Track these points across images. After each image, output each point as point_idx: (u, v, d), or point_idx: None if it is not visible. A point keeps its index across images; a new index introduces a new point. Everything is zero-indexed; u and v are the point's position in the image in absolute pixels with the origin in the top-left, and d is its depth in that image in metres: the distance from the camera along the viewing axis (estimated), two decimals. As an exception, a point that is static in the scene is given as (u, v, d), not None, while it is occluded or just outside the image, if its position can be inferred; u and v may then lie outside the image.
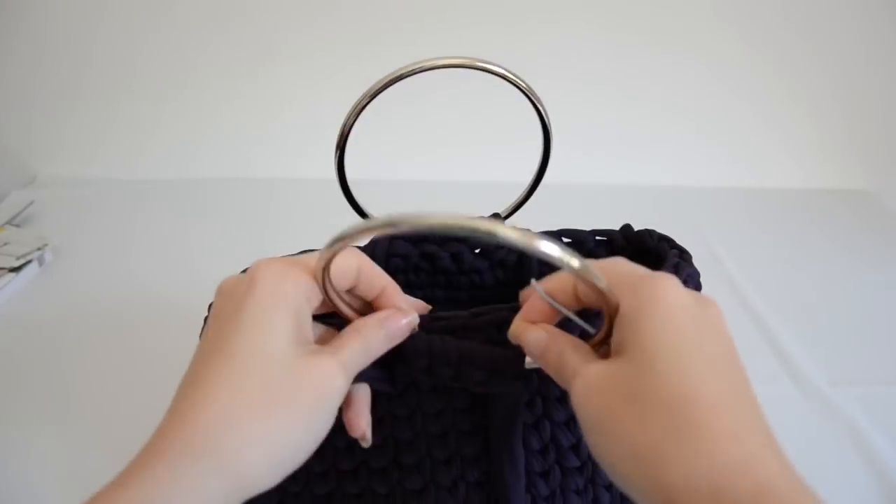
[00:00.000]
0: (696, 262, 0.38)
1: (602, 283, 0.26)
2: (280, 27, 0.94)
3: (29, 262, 0.75)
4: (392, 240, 0.42)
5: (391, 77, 0.35)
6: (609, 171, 0.99)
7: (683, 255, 0.37)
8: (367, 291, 0.32)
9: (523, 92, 0.37)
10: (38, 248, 0.76)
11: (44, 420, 0.55)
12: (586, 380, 0.27)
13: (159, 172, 0.98)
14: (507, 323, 0.32)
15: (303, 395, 0.26)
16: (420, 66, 0.34)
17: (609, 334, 0.28)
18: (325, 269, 0.28)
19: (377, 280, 0.32)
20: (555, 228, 0.43)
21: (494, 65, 0.35)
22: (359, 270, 0.31)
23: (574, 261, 0.25)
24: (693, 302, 0.27)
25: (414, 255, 0.43)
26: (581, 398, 0.27)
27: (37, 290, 0.73)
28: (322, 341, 0.30)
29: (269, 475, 0.26)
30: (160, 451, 0.24)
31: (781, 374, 0.62)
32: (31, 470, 0.50)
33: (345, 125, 0.37)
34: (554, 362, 0.29)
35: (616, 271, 0.28)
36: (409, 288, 0.46)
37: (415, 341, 0.31)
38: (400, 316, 0.31)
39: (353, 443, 0.32)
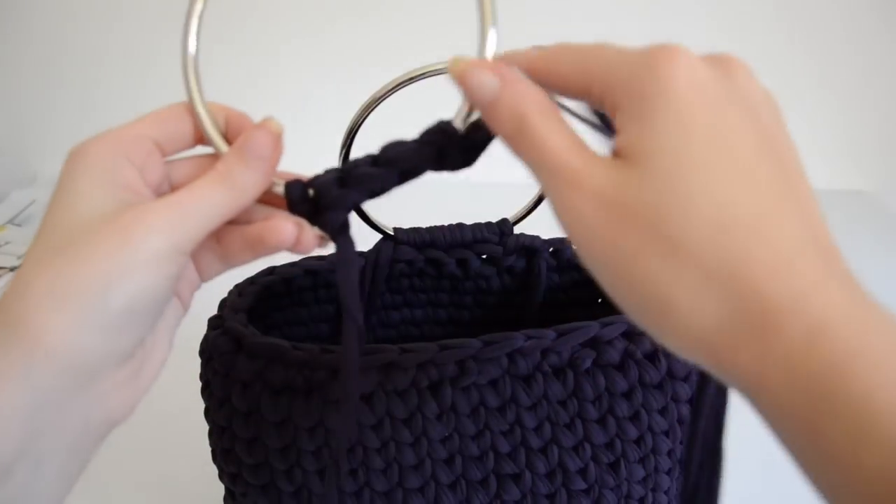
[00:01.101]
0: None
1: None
2: (282, 27, 0.94)
3: (30, 261, 0.75)
4: (396, 245, 0.42)
5: (400, 80, 0.35)
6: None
7: None
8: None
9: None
10: (40, 248, 0.77)
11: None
12: (595, 196, 0.20)
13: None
14: (522, 352, 0.32)
15: (103, 241, 0.22)
16: (431, 69, 0.34)
17: None
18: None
19: (217, 110, 0.28)
20: (559, 230, 0.43)
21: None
22: (189, 111, 0.27)
23: None
24: (711, 74, 0.21)
25: (419, 260, 0.43)
26: (585, 219, 0.21)
27: (38, 290, 0.73)
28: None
29: (83, 333, 0.22)
30: None
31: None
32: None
33: (352, 126, 0.37)
34: (507, 123, 0.22)
35: (600, 59, 0.22)
36: (413, 291, 0.46)
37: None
38: (255, 131, 0.26)
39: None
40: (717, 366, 0.20)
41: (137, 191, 0.25)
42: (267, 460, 0.34)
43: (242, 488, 0.35)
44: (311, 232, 0.27)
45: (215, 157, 0.27)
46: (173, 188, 0.27)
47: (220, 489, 0.38)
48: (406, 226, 0.43)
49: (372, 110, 0.37)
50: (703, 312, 0.19)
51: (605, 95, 0.22)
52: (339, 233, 0.27)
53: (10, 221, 0.83)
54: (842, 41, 0.96)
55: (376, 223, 0.41)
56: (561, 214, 0.22)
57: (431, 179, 0.99)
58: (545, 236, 0.43)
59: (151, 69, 0.96)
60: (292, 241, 0.27)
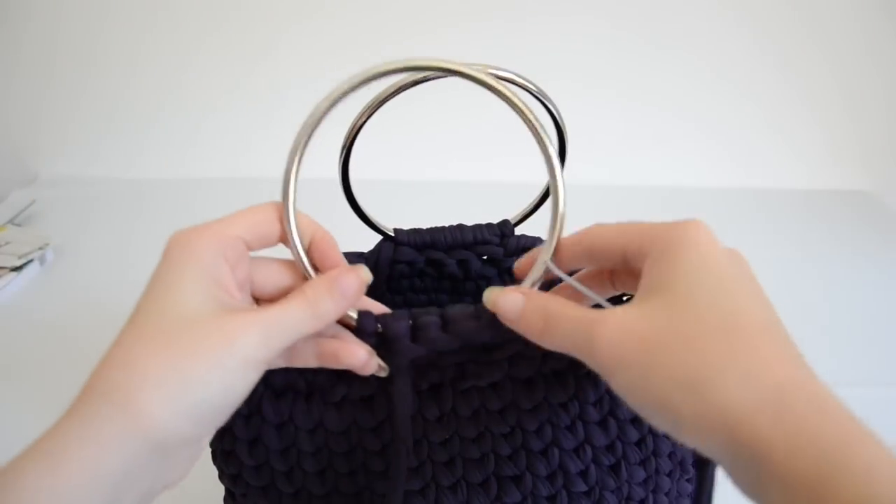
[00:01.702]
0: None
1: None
2: (281, 26, 0.94)
3: (30, 261, 0.75)
4: (396, 246, 0.42)
5: (399, 85, 0.35)
6: (611, 172, 0.99)
7: None
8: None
9: (536, 96, 0.37)
10: (40, 248, 0.76)
11: (44, 420, 0.55)
12: (618, 324, 0.26)
13: (161, 172, 0.98)
14: (522, 355, 0.33)
15: (207, 341, 0.26)
16: (430, 74, 0.34)
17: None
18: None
19: (306, 227, 0.31)
20: (564, 232, 0.43)
21: (505, 71, 0.35)
22: (279, 218, 0.30)
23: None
24: (723, 247, 0.28)
25: (419, 261, 0.43)
26: (613, 343, 0.25)
27: (38, 290, 0.73)
28: (280, 294, 0.30)
29: (176, 419, 0.25)
30: (71, 406, 0.25)
31: (783, 375, 0.62)
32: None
33: (352, 128, 0.37)
34: (537, 322, 0.28)
35: (635, 225, 0.29)
36: (413, 292, 0.46)
37: (394, 315, 0.31)
38: (350, 273, 0.30)
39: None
40: (731, 441, 0.23)
41: (229, 289, 0.28)
42: (267, 462, 0.34)
43: (243, 489, 0.35)
44: (376, 360, 0.31)
45: (291, 263, 0.31)
46: (254, 288, 0.30)
47: (220, 490, 0.38)
48: (406, 226, 0.42)
49: (374, 111, 0.36)
50: (723, 387, 0.23)
51: (640, 249, 0.28)
52: (401, 373, 0.31)
53: (10, 221, 0.83)
54: (843, 42, 0.96)
55: (376, 224, 0.41)
56: (600, 346, 0.26)
57: (432, 180, 0.98)
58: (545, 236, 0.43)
59: (153, 70, 0.96)
60: (361, 365, 0.30)
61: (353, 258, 0.42)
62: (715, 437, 0.23)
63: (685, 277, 0.25)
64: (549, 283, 0.33)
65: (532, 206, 0.43)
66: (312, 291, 0.29)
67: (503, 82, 0.29)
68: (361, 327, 0.31)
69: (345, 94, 0.29)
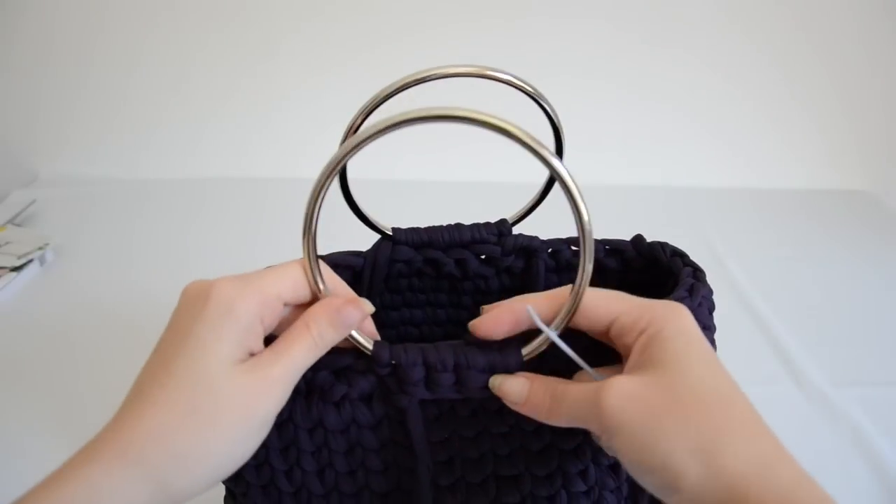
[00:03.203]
0: (697, 262, 0.38)
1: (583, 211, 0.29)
2: (281, 27, 0.94)
3: (30, 261, 0.75)
4: (394, 245, 0.42)
5: (398, 85, 0.35)
6: (611, 172, 0.99)
7: (697, 274, 0.36)
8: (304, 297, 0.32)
9: (533, 98, 0.37)
10: (40, 248, 0.76)
11: (44, 419, 0.55)
12: (622, 390, 0.28)
13: (161, 172, 0.98)
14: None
15: (228, 415, 0.28)
16: (428, 74, 0.34)
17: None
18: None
19: (331, 283, 0.32)
20: (561, 231, 0.43)
21: (502, 72, 0.35)
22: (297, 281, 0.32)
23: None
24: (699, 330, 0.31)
25: (417, 260, 0.43)
26: (618, 408, 0.28)
27: (38, 290, 0.73)
28: (285, 326, 0.31)
29: (195, 484, 0.28)
30: (99, 453, 0.27)
31: (782, 375, 0.62)
32: (31, 469, 0.49)
33: (349, 130, 0.37)
34: (543, 402, 0.30)
35: (627, 299, 0.31)
36: (412, 291, 0.46)
37: (407, 353, 0.31)
38: (352, 306, 0.31)
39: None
40: (727, 501, 0.25)
41: (254, 348, 0.30)
42: (267, 460, 0.34)
43: (243, 488, 0.35)
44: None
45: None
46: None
47: (220, 489, 0.38)
48: (404, 225, 0.43)
49: (372, 111, 0.36)
50: (722, 455, 0.26)
51: (635, 324, 0.30)
52: (413, 408, 0.33)
53: (10, 221, 0.83)
54: (842, 41, 0.96)
55: (374, 223, 0.41)
56: (608, 410, 0.28)
57: (430, 179, 0.98)
58: (544, 237, 0.43)
59: (154, 70, 0.96)
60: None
61: (351, 257, 0.42)
62: (712, 498, 0.26)
63: (676, 358, 0.28)
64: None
65: (530, 205, 0.43)
66: (316, 326, 0.30)
67: (532, 136, 0.28)
68: (377, 358, 0.32)
69: (358, 146, 0.29)
